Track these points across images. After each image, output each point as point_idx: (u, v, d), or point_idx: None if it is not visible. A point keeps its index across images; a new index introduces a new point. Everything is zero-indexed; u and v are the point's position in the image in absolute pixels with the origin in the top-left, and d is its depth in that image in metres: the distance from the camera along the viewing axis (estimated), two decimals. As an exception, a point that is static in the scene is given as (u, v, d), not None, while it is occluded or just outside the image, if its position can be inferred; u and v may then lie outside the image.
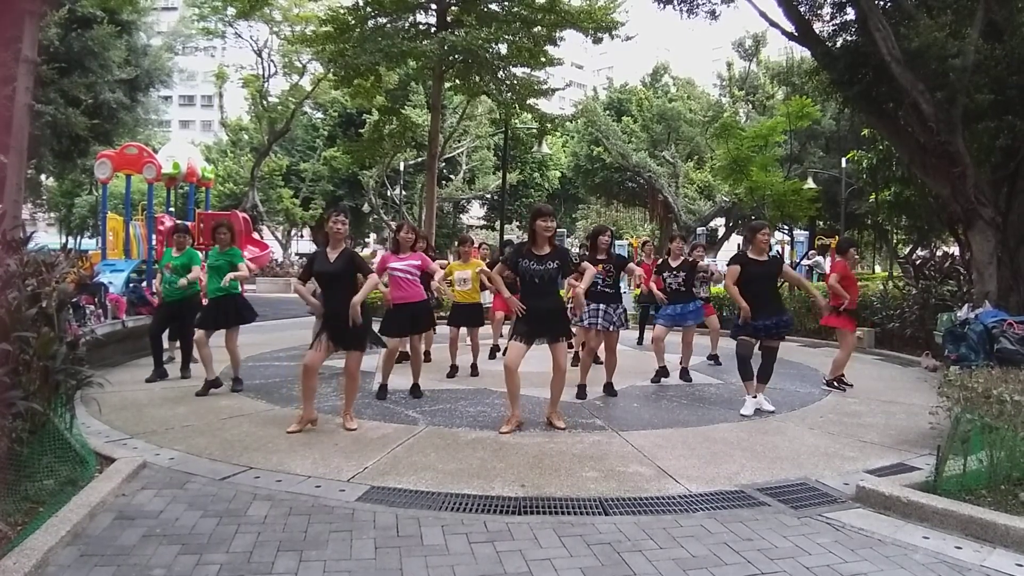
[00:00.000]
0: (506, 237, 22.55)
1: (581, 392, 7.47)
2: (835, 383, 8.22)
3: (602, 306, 7.33)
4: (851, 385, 8.22)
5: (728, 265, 7.12)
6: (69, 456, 4.33)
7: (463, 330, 9.08)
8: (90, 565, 3.34)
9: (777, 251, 18.15)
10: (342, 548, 3.60)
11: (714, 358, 10.08)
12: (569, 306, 7.11)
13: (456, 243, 9.13)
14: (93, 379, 4.86)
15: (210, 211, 18.39)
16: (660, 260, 8.98)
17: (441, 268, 8.48)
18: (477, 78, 19.01)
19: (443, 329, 9.19)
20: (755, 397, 6.99)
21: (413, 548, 3.62)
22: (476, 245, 9.55)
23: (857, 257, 8.50)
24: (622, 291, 7.83)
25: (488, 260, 10.10)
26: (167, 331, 8.68)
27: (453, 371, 8.70)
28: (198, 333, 7.45)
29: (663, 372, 8.59)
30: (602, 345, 7.76)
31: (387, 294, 7.41)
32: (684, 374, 8.66)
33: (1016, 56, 8.72)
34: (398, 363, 7.82)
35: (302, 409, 5.93)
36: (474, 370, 8.82)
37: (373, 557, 3.51)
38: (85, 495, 4.01)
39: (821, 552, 3.65)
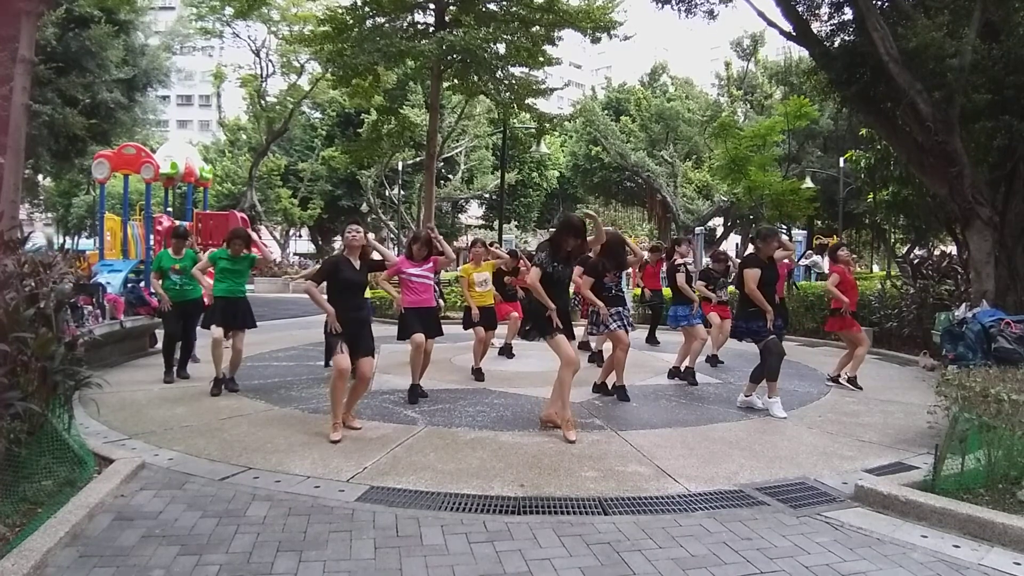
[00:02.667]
0: (505, 239, 22.56)
1: (623, 393, 7.40)
2: (849, 382, 8.30)
3: (620, 309, 7.41)
4: (861, 388, 8.16)
5: (747, 268, 6.96)
6: (67, 457, 4.33)
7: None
8: (89, 566, 3.33)
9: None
10: (341, 548, 3.60)
11: (713, 359, 10.06)
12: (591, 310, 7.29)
13: (469, 245, 9.15)
14: (91, 380, 4.85)
15: (208, 211, 18.35)
16: (682, 262, 9.01)
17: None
18: (475, 78, 19.03)
19: (448, 330, 9.17)
20: (749, 395, 7.06)
21: (413, 548, 3.62)
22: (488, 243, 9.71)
23: (843, 255, 8.56)
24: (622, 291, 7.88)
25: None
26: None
27: (479, 373, 8.62)
28: (215, 333, 7.49)
29: (676, 372, 8.71)
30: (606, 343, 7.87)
31: (398, 300, 7.39)
32: (678, 371, 8.68)
33: (1013, 56, 8.74)
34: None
35: (335, 417, 5.76)
36: (478, 375, 8.60)
37: (373, 557, 3.51)
38: (84, 496, 4.00)
39: (820, 551, 3.66)
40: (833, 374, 8.50)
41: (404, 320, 7.30)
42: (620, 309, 7.40)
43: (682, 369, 8.65)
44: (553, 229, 6.42)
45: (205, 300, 8.40)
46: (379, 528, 3.87)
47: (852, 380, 8.28)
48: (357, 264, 5.99)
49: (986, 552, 3.65)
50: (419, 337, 7.09)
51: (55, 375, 4.42)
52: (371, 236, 6.80)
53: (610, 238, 7.16)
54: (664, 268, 10.92)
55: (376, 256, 6.60)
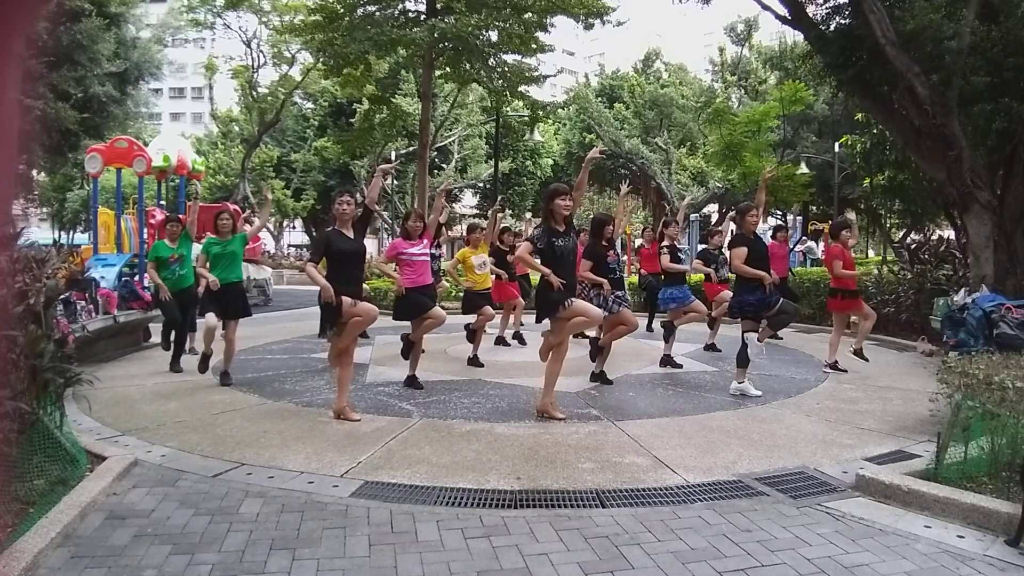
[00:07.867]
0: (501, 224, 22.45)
1: (604, 378, 7.61)
2: (855, 354, 8.50)
3: (619, 292, 7.44)
4: (867, 359, 8.38)
5: (733, 248, 7.16)
6: (59, 455, 4.26)
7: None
8: (81, 567, 3.28)
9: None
10: (336, 546, 3.55)
11: (711, 347, 10.01)
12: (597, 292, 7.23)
13: (466, 232, 9.20)
14: (82, 376, 4.79)
15: (201, 203, 18.23)
16: (668, 244, 8.96)
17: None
18: (468, 65, 18.88)
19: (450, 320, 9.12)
20: (741, 381, 7.04)
21: (408, 544, 3.57)
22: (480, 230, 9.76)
23: (846, 235, 8.66)
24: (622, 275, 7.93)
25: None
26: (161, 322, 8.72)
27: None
28: (211, 321, 7.41)
29: (667, 360, 8.67)
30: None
31: (399, 281, 7.07)
32: (670, 359, 8.64)
33: (1012, 38, 8.67)
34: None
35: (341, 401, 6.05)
36: (475, 362, 8.67)
37: (367, 554, 3.46)
38: (76, 495, 3.95)
39: (821, 543, 3.60)
40: (829, 361, 8.47)
41: (407, 300, 7.07)
42: (622, 292, 7.52)
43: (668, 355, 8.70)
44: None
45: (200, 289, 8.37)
46: (374, 524, 3.81)
47: (859, 352, 8.44)
48: (351, 234, 5.97)
49: (991, 543, 3.59)
50: (438, 311, 7.14)
51: (45, 373, 4.35)
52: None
53: (594, 218, 7.78)
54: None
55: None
